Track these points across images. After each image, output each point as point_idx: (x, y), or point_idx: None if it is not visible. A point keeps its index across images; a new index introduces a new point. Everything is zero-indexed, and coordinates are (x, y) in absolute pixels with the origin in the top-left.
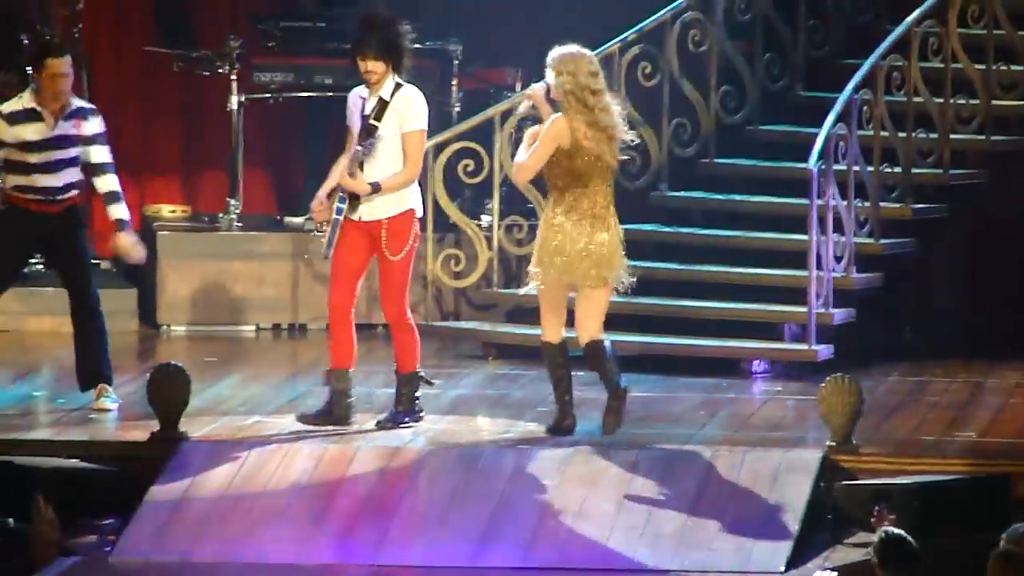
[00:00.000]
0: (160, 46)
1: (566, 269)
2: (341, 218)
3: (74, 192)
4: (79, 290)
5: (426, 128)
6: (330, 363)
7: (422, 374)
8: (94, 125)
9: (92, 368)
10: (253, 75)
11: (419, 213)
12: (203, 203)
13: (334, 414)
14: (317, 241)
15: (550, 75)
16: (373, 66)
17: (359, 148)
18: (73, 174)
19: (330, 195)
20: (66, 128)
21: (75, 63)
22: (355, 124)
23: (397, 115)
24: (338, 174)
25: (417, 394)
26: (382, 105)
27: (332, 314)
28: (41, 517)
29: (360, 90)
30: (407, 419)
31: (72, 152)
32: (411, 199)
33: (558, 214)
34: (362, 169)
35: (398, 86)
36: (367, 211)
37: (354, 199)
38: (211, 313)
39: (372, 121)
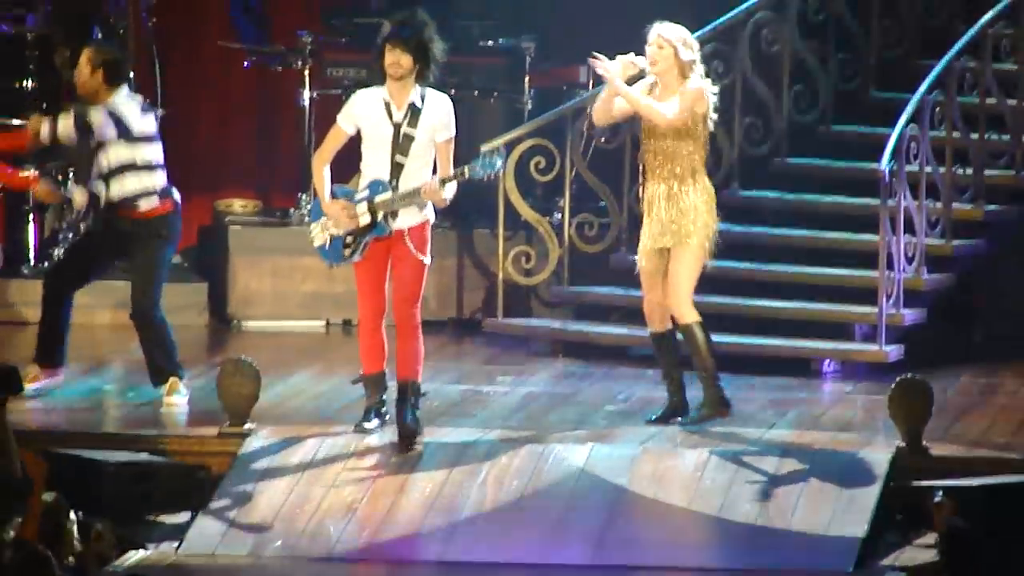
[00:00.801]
0: (233, 41)
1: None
2: (381, 235)
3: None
4: (132, 296)
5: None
6: (363, 369)
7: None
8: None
9: (158, 365)
10: (325, 70)
11: (432, 221)
12: (275, 198)
13: (378, 417)
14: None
15: (685, 50)
16: (403, 59)
17: (471, 166)
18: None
19: (350, 202)
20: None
21: (146, 57)
22: (373, 129)
23: (430, 122)
24: (364, 180)
25: (414, 403)
26: (414, 112)
27: (362, 322)
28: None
29: (372, 94)
30: (419, 428)
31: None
32: (429, 208)
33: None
34: (398, 179)
35: (425, 93)
36: (399, 221)
37: (393, 213)
38: (281, 308)
39: (407, 129)
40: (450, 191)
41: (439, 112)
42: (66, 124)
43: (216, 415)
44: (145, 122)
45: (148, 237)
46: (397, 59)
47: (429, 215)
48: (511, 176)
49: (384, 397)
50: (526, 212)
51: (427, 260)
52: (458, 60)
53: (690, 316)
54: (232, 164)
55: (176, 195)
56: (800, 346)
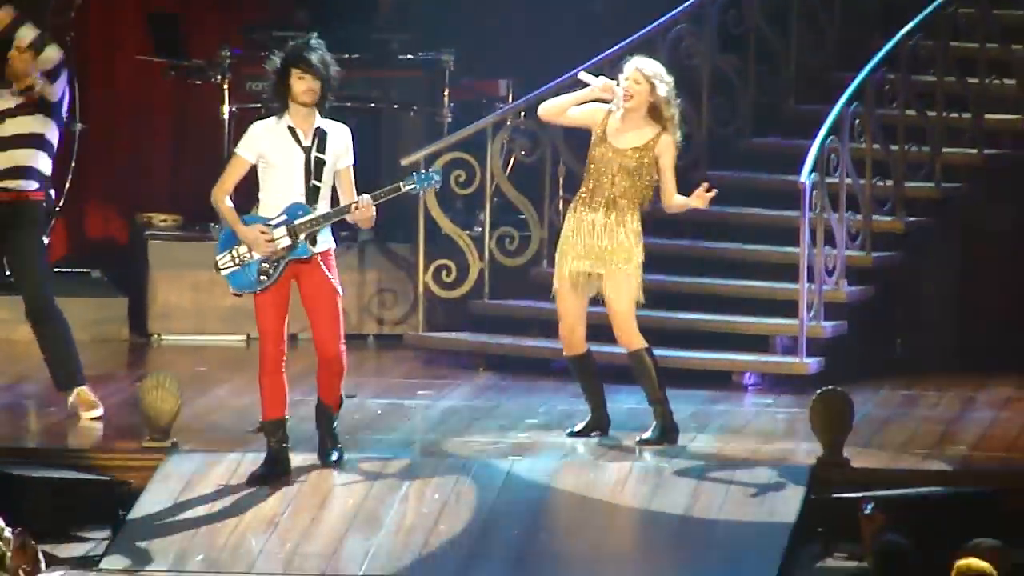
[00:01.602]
0: (152, 55)
1: None
2: (301, 257)
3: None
4: (25, 292)
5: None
6: (263, 414)
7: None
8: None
9: (63, 364)
10: (245, 84)
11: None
12: (194, 212)
13: (277, 466)
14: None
15: (662, 85)
16: (316, 85)
17: (413, 184)
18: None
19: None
20: None
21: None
22: (281, 156)
23: (335, 149)
24: (273, 207)
25: (335, 420)
26: (321, 136)
27: (267, 363)
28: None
29: (272, 123)
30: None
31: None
32: (331, 236)
33: None
34: (315, 203)
35: (325, 121)
36: (317, 246)
37: (312, 235)
38: (202, 322)
39: (317, 153)
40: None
41: (342, 139)
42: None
43: (137, 429)
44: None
45: (29, 223)
46: (310, 86)
47: (332, 244)
48: (431, 189)
49: (286, 443)
50: (446, 225)
51: (340, 290)
52: (377, 74)
53: (638, 342)
54: (151, 178)
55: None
56: (721, 358)
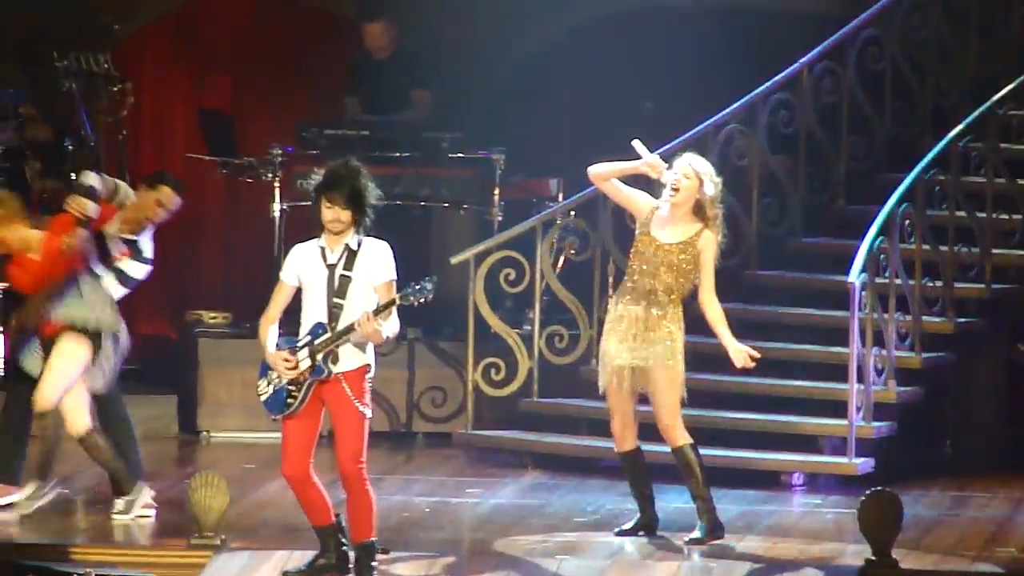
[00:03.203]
0: (203, 152)
1: None
2: (321, 377)
3: None
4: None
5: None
6: (311, 520)
7: (379, 545)
8: None
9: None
10: (296, 182)
11: (373, 368)
12: (244, 310)
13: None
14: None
15: (710, 184)
16: (343, 215)
17: (409, 292)
18: None
19: (293, 351)
20: None
21: (116, 170)
22: (310, 275)
23: (366, 265)
24: (304, 328)
25: (374, 563)
26: (350, 254)
27: (293, 485)
28: None
29: (307, 245)
30: None
31: None
32: (370, 351)
33: None
34: (337, 321)
35: (362, 240)
36: (340, 364)
37: (332, 354)
38: (251, 420)
39: (343, 271)
40: (390, 327)
41: (376, 254)
42: None
43: (185, 526)
44: None
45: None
46: (337, 216)
47: (369, 359)
48: (480, 288)
49: (342, 546)
50: (496, 323)
51: (367, 412)
52: (428, 171)
53: (683, 439)
54: (201, 276)
55: None
56: (770, 458)
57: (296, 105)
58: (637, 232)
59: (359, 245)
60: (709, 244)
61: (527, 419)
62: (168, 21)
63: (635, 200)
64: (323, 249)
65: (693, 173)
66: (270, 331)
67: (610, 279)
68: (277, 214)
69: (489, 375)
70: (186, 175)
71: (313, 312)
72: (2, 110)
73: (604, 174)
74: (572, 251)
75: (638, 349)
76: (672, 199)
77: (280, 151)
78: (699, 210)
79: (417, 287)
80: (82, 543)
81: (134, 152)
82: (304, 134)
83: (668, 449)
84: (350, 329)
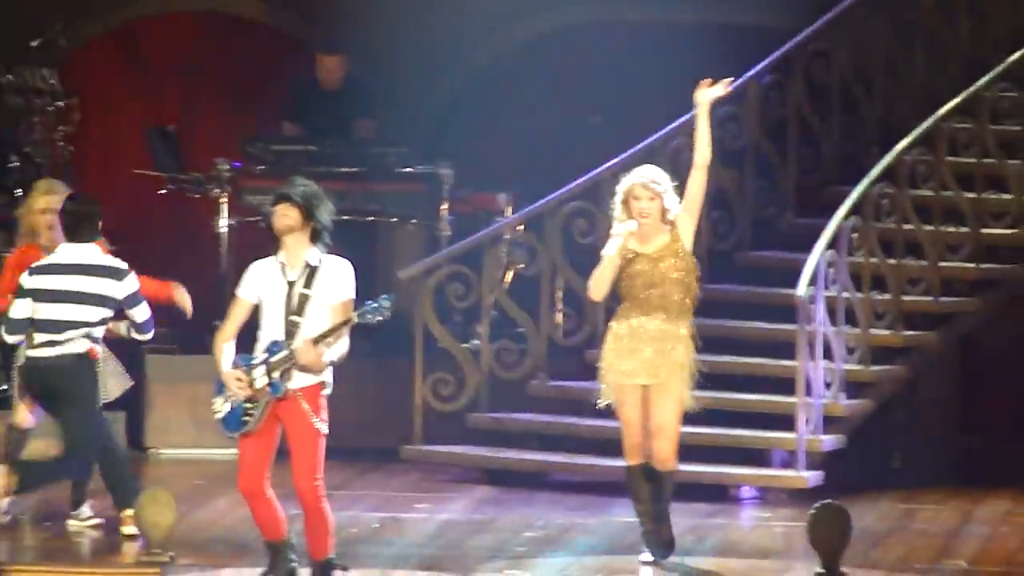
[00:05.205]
0: (149, 169)
1: None
2: (277, 395)
3: None
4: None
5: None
6: (263, 535)
7: (336, 561)
8: None
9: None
10: (242, 197)
11: (330, 386)
12: (191, 326)
13: None
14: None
15: (668, 194)
16: (290, 211)
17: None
18: None
19: (249, 369)
20: None
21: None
22: (269, 292)
23: (325, 284)
24: (260, 345)
25: None
26: (311, 272)
27: (248, 500)
28: None
29: (267, 261)
30: None
31: None
32: (328, 370)
33: None
34: (294, 339)
35: (323, 257)
36: (294, 381)
37: (287, 372)
38: (199, 436)
39: (303, 289)
40: (337, 350)
41: (336, 273)
42: None
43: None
44: None
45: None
46: (283, 212)
47: (326, 377)
48: (429, 303)
49: (293, 562)
50: (444, 339)
51: (324, 428)
52: (375, 187)
53: (675, 463)
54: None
55: None
56: (719, 472)
57: (243, 121)
58: (625, 260)
59: (320, 262)
60: (681, 218)
61: (476, 434)
62: (114, 37)
63: (621, 255)
64: (283, 265)
65: (653, 193)
66: (225, 348)
67: (558, 293)
68: (224, 230)
69: (438, 390)
70: (133, 191)
71: (270, 329)
72: None
73: (607, 283)
74: (520, 265)
75: (650, 368)
76: (645, 222)
77: (227, 166)
78: (665, 216)
79: (374, 305)
80: (28, 562)
81: (80, 168)
82: (250, 149)
83: (615, 463)
84: (288, 358)
